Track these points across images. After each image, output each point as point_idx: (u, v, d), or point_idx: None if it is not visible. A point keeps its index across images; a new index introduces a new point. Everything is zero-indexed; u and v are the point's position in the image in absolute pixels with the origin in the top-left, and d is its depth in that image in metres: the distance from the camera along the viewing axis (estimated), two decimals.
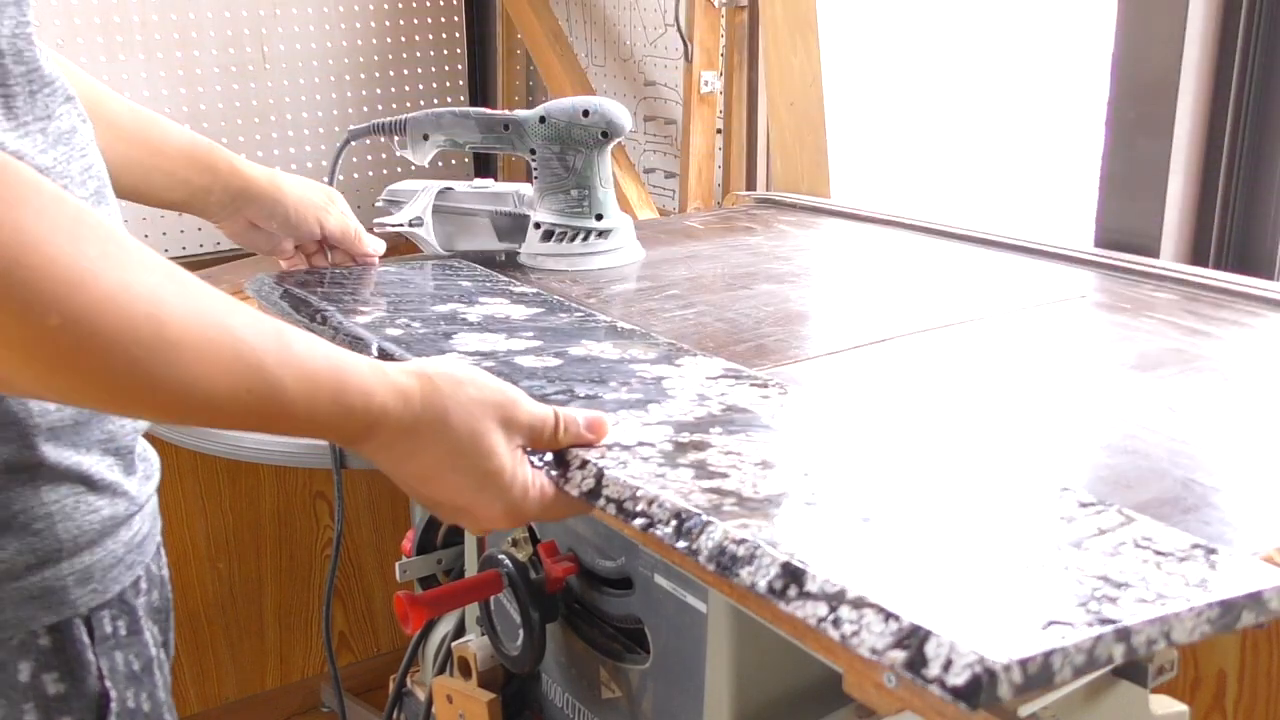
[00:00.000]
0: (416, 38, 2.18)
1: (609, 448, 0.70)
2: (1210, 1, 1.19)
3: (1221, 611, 0.52)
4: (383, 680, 1.54)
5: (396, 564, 1.22)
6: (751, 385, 0.82)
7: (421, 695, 1.22)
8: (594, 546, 0.91)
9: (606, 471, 0.66)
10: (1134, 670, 0.92)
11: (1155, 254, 1.24)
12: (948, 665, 0.47)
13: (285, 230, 1.08)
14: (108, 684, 0.66)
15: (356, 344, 0.91)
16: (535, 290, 1.11)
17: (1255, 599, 0.53)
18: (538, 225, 1.21)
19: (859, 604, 0.51)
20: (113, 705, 0.67)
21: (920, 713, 0.52)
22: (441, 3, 2.19)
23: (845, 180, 1.65)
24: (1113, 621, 0.49)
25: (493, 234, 1.24)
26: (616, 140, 1.21)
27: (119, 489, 0.68)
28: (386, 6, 2.13)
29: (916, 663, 0.48)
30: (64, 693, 0.65)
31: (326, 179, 1.19)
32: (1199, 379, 0.88)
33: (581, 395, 0.80)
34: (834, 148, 1.63)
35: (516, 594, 0.92)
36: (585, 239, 1.21)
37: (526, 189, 1.24)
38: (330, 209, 1.11)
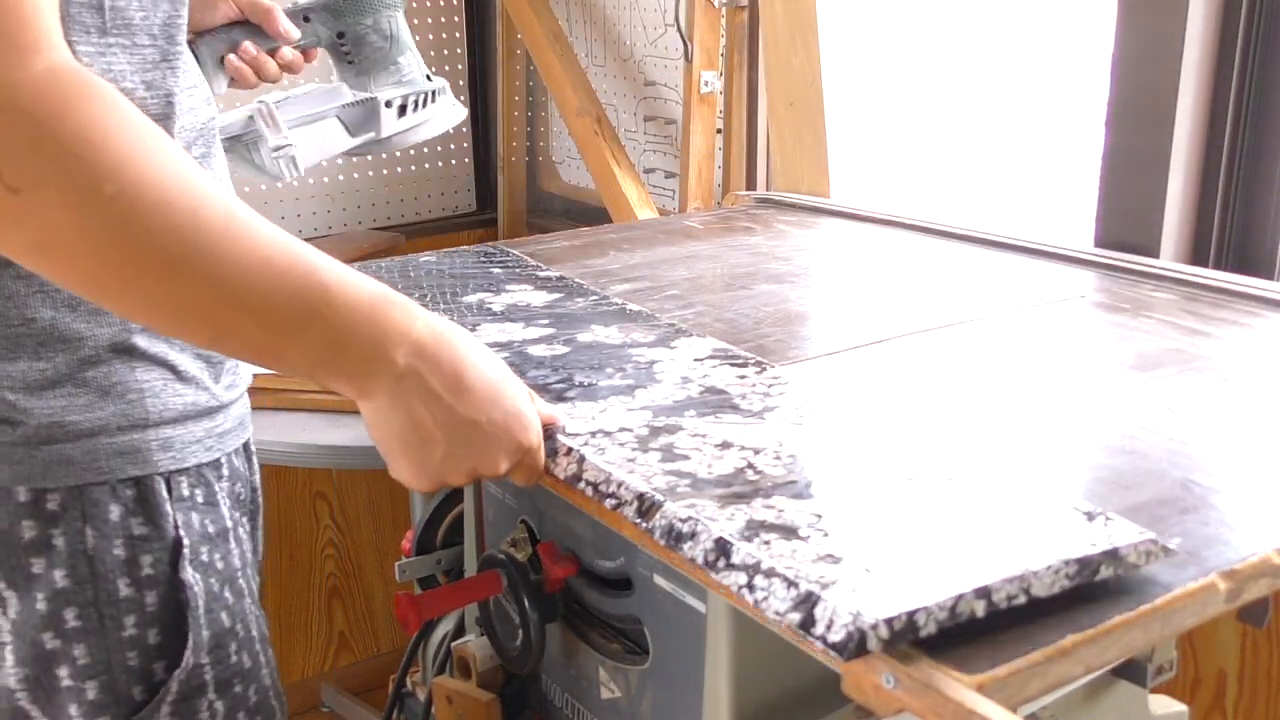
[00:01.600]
0: (416, 38, 2.17)
1: (593, 434, 0.77)
2: (1210, 2, 1.19)
3: (1079, 568, 0.57)
4: (383, 680, 1.54)
5: (396, 564, 1.22)
6: (731, 365, 0.88)
7: (421, 695, 1.22)
8: (594, 547, 0.91)
9: (587, 458, 0.73)
10: (1133, 670, 0.92)
11: (1155, 254, 1.24)
12: (830, 625, 0.54)
13: (204, 17, 1.05)
14: (182, 533, 0.78)
15: None
16: (559, 275, 1.16)
17: (1112, 555, 0.58)
18: (389, 103, 1.15)
19: (769, 574, 0.58)
20: (185, 551, 0.78)
21: (919, 713, 0.52)
22: (442, 3, 2.19)
23: (845, 180, 1.65)
24: (974, 580, 0.55)
25: (343, 131, 1.16)
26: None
27: (202, 384, 0.80)
28: None
29: (807, 623, 0.55)
30: (146, 534, 0.76)
31: None
32: (1198, 379, 0.88)
33: (578, 383, 0.86)
34: (834, 148, 1.63)
35: (516, 594, 0.92)
36: (433, 100, 1.17)
37: (322, 85, 1.17)
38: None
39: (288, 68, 1.09)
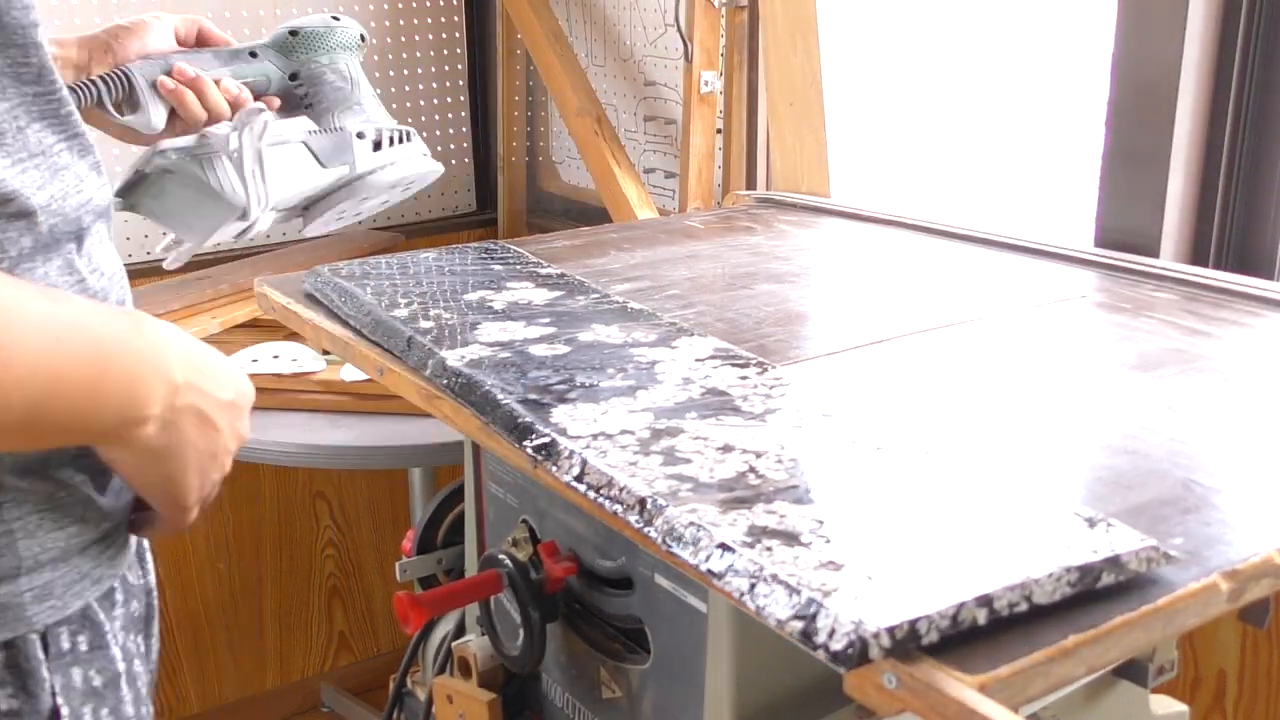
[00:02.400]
0: (416, 38, 2.18)
1: (594, 437, 0.76)
2: (1210, 2, 1.19)
3: (1081, 575, 0.57)
4: (383, 680, 1.54)
5: (396, 564, 1.22)
6: (733, 366, 0.88)
7: (422, 695, 1.22)
8: (594, 546, 0.91)
9: (588, 461, 0.72)
10: (1134, 670, 0.92)
11: (1155, 254, 1.24)
12: (831, 633, 0.54)
13: (139, 46, 0.96)
14: (59, 700, 0.65)
15: (392, 336, 0.98)
16: (559, 272, 1.15)
17: (1114, 562, 0.58)
18: (361, 135, 1.05)
19: (771, 581, 0.58)
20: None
21: (920, 713, 0.52)
22: (441, 3, 2.19)
23: (845, 180, 1.65)
24: (976, 589, 0.55)
25: (314, 161, 1.04)
26: (364, 50, 1.09)
27: (91, 504, 0.67)
28: (386, 6, 2.13)
29: (809, 631, 0.55)
30: (16, 709, 0.64)
31: None
32: (1199, 379, 0.88)
33: (580, 384, 0.85)
34: (834, 148, 1.63)
35: (516, 594, 0.92)
36: (407, 139, 1.07)
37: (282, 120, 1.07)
38: (160, 15, 1.00)
39: (234, 103, 0.98)
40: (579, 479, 0.72)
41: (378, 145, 1.05)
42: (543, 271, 1.16)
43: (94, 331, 0.58)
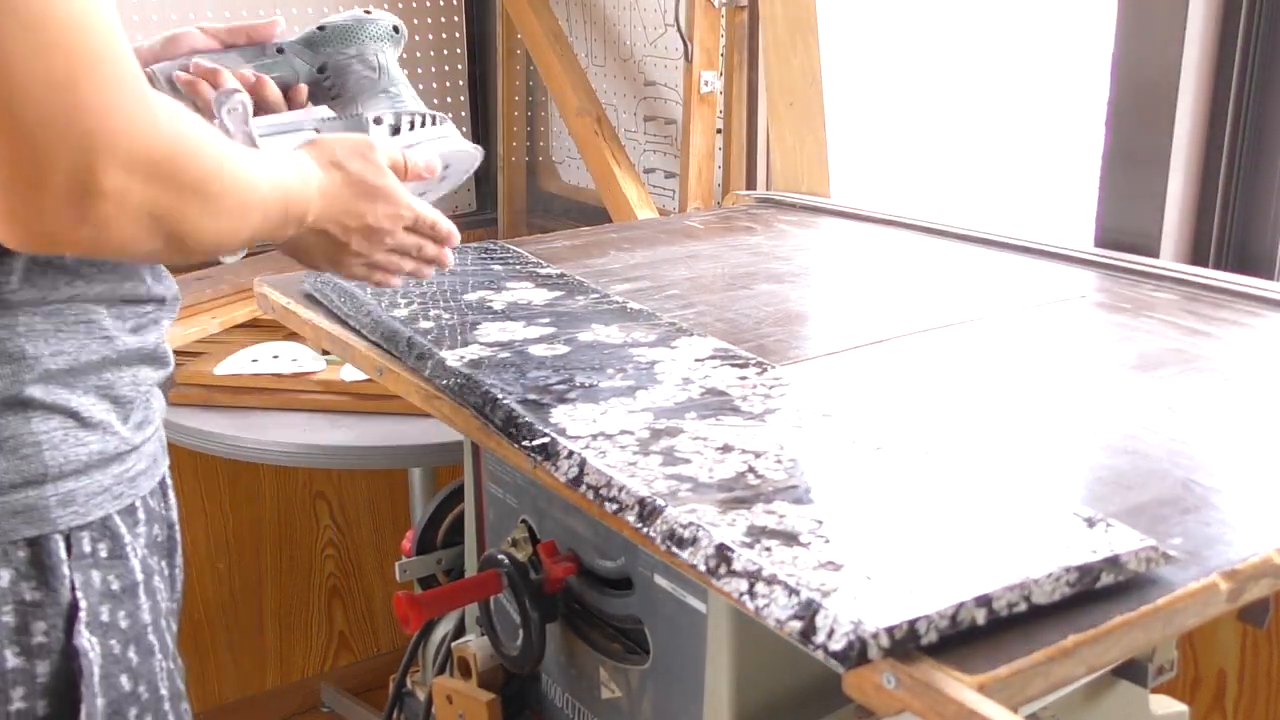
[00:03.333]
0: (416, 38, 2.18)
1: (594, 437, 0.76)
2: (1210, 2, 1.19)
3: (1080, 575, 0.57)
4: (383, 680, 1.54)
5: (396, 564, 1.22)
6: (732, 366, 0.88)
7: (421, 695, 1.22)
8: (594, 546, 0.91)
9: (588, 461, 0.73)
10: (1134, 670, 0.92)
11: (1155, 254, 1.24)
12: (831, 633, 0.54)
13: (170, 51, 1.00)
14: (79, 595, 0.72)
15: (392, 338, 0.98)
16: (559, 272, 1.15)
17: (1113, 562, 0.58)
18: (379, 120, 1.03)
19: (771, 581, 0.58)
20: (82, 615, 0.72)
21: (919, 713, 0.52)
22: (441, 3, 2.19)
23: (845, 180, 1.65)
24: (975, 589, 0.55)
25: None
26: (403, 42, 1.08)
27: (110, 428, 0.75)
28: (386, 7, 2.13)
29: (808, 631, 0.55)
30: (39, 600, 0.71)
31: None
32: (1199, 379, 0.88)
33: (579, 384, 0.85)
34: (834, 148, 1.63)
35: (516, 594, 0.92)
36: (433, 122, 1.05)
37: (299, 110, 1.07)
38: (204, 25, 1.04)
39: (254, 91, 1.00)
40: (578, 479, 0.73)
41: (396, 130, 1.04)
42: (542, 271, 1.16)
43: (285, 183, 0.77)
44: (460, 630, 1.17)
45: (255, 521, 2.13)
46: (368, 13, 1.05)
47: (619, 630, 0.92)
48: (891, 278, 1.23)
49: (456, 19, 2.21)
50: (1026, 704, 0.55)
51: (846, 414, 0.79)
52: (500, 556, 0.93)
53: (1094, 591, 0.58)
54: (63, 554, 0.72)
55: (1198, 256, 1.26)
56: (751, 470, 0.70)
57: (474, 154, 1.09)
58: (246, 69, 1.00)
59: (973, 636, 0.55)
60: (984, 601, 0.55)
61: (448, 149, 1.05)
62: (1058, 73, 1.46)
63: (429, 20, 2.18)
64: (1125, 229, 1.28)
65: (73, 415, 0.73)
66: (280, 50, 1.02)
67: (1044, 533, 0.61)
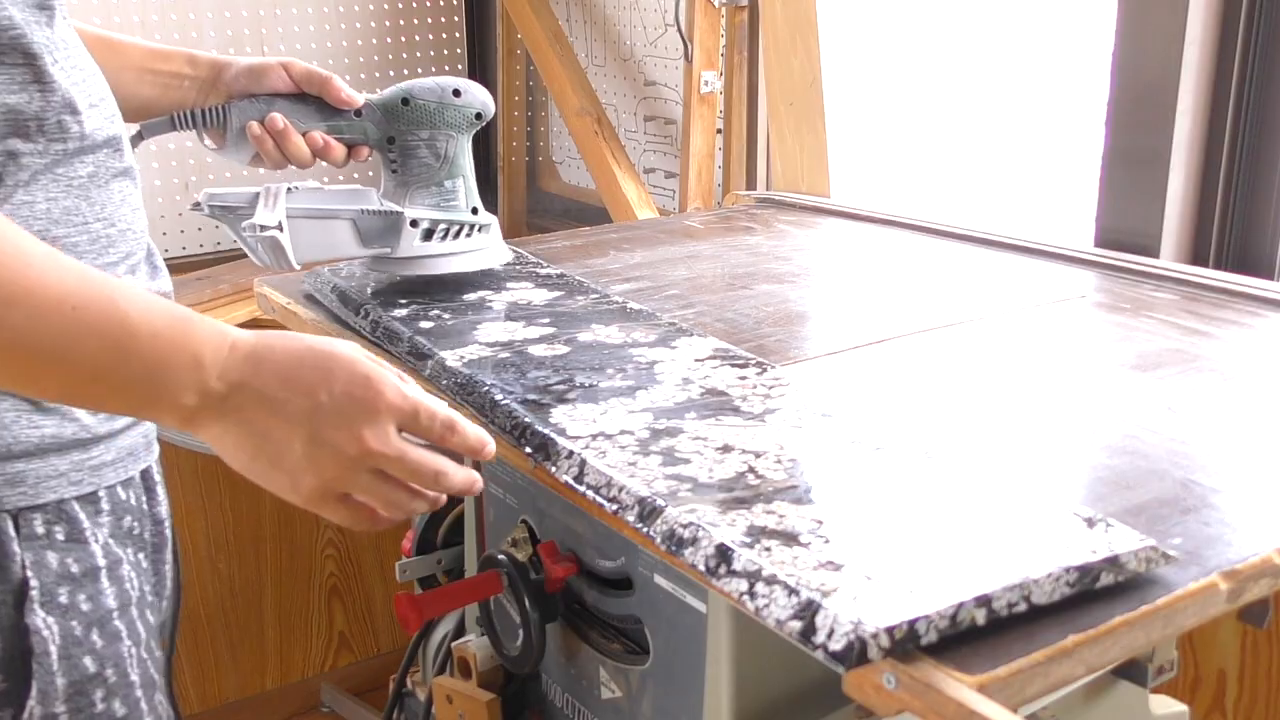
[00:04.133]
0: (416, 38, 2.18)
1: (594, 437, 0.76)
2: (1210, 2, 1.19)
3: (1080, 575, 0.57)
4: (383, 680, 1.54)
5: (396, 564, 1.22)
6: (732, 366, 0.88)
7: (421, 695, 1.22)
8: (594, 546, 0.91)
9: (587, 461, 0.73)
10: (1134, 670, 0.92)
11: (1155, 254, 1.24)
12: (830, 633, 0.54)
13: (255, 87, 1.01)
14: (29, 574, 0.72)
15: (392, 338, 0.98)
16: (559, 272, 1.15)
17: (1113, 562, 0.58)
18: (415, 223, 1.06)
19: (771, 581, 0.58)
20: (34, 594, 0.72)
21: (919, 713, 0.52)
22: (441, 3, 2.19)
23: (845, 180, 1.65)
24: (975, 589, 0.55)
25: (354, 238, 1.05)
26: (484, 123, 1.09)
27: (69, 415, 0.74)
28: (386, 6, 2.13)
29: (808, 631, 0.55)
30: None
31: None
32: (1199, 379, 0.88)
33: (579, 384, 0.85)
34: (834, 148, 1.63)
35: (516, 594, 0.92)
36: (468, 234, 1.08)
37: (354, 186, 1.08)
38: (291, 60, 1.04)
39: (320, 153, 1.03)
40: (578, 479, 0.73)
41: (429, 235, 1.06)
42: (542, 271, 1.16)
43: (120, 312, 0.63)
44: (460, 630, 1.17)
45: (255, 521, 2.13)
46: (456, 94, 1.06)
47: (619, 630, 0.92)
48: (891, 278, 1.23)
49: (456, 19, 2.21)
50: (1026, 704, 0.55)
51: (846, 414, 0.79)
52: (500, 556, 0.93)
53: (1094, 591, 0.58)
54: (11, 532, 0.72)
55: (1198, 256, 1.26)
56: (751, 470, 0.70)
57: (508, 254, 1.13)
58: (320, 127, 1.02)
59: (973, 636, 0.55)
60: (984, 601, 0.55)
61: (467, 265, 1.08)
62: (1058, 72, 1.46)
63: (429, 20, 2.18)
64: (1125, 229, 1.28)
65: (28, 399, 0.72)
66: (358, 113, 1.03)
67: (1044, 533, 0.61)
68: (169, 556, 0.86)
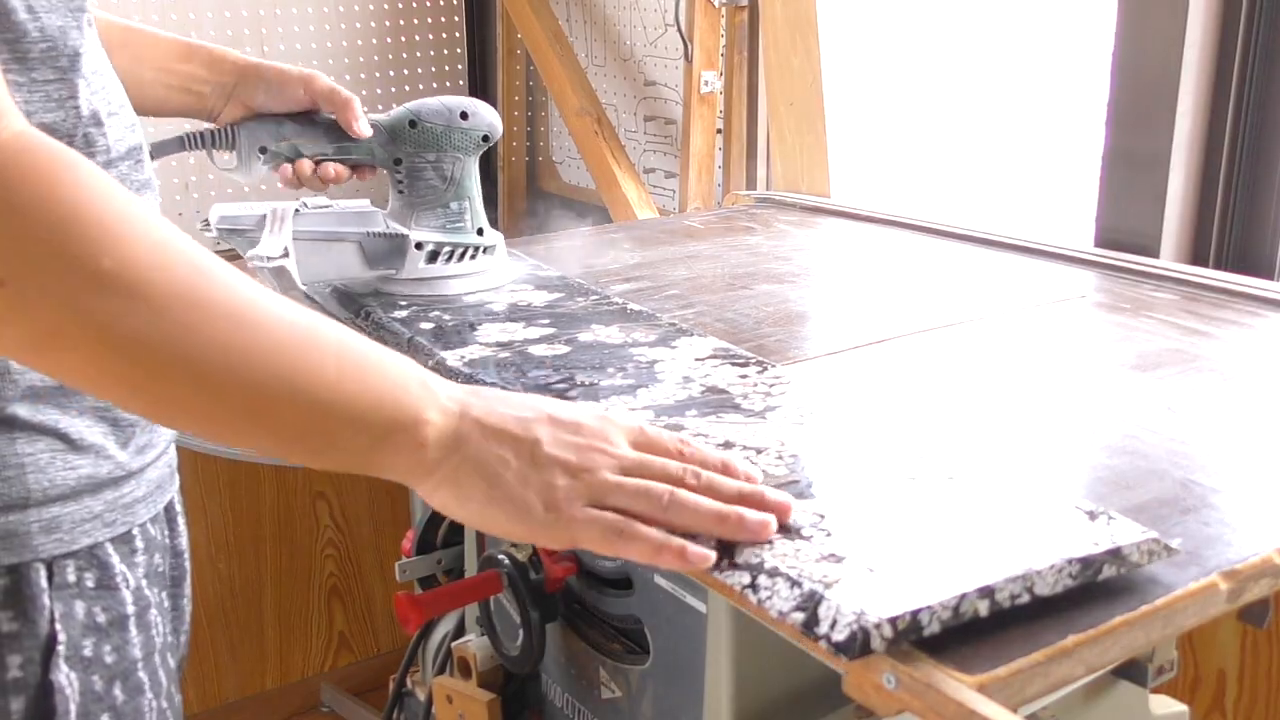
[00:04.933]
0: (416, 38, 2.18)
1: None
2: (1211, 2, 1.19)
3: (1082, 567, 0.57)
4: (383, 680, 1.54)
5: (396, 564, 1.22)
6: (732, 365, 0.88)
7: (421, 695, 1.22)
8: None
9: None
10: (1134, 670, 0.92)
11: (1155, 254, 1.24)
12: (833, 624, 0.54)
13: (273, 100, 1.01)
14: (58, 628, 0.68)
15: (392, 338, 0.98)
16: (559, 274, 1.15)
17: (1115, 554, 0.58)
18: (420, 245, 1.06)
19: (773, 574, 0.58)
20: (60, 649, 0.68)
21: (919, 713, 0.52)
22: (441, 3, 2.19)
23: (845, 180, 1.65)
24: (978, 580, 0.55)
25: (360, 260, 1.06)
26: (490, 144, 1.09)
27: (105, 453, 0.70)
28: (386, 6, 2.13)
29: (811, 623, 0.55)
30: (15, 631, 0.66)
31: None
32: (1198, 379, 0.88)
33: (580, 383, 0.85)
34: (834, 148, 1.63)
35: (516, 594, 0.92)
36: (472, 256, 1.09)
37: (365, 204, 1.09)
38: (315, 75, 1.03)
39: (331, 180, 1.04)
40: None
41: (434, 257, 1.07)
42: (542, 273, 1.16)
43: (342, 331, 0.59)
44: (460, 630, 1.17)
45: (255, 521, 2.13)
46: (464, 117, 1.06)
47: (619, 630, 0.92)
48: (891, 278, 1.23)
49: (456, 19, 2.21)
50: (1026, 704, 0.55)
51: (847, 412, 0.79)
52: (500, 556, 0.93)
53: (1094, 590, 0.58)
54: (43, 583, 0.67)
55: (1198, 256, 1.26)
56: (753, 466, 0.70)
57: (517, 270, 1.12)
58: (328, 148, 1.03)
59: (973, 636, 0.55)
60: (987, 593, 0.55)
61: (485, 283, 1.09)
62: (1058, 72, 1.46)
63: (429, 20, 2.18)
64: (1125, 229, 1.28)
65: (62, 436, 0.68)
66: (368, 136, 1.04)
67: (1046, 525, 0.61)
68: (187, 590, 0.83)
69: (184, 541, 0.81)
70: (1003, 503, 0.65)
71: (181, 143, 1.00)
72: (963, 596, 0.55)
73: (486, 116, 1.08)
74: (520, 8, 2.03)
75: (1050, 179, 1.50)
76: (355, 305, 1.06)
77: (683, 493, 0.60)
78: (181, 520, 0.81)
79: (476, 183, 1.09)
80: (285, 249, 0.99)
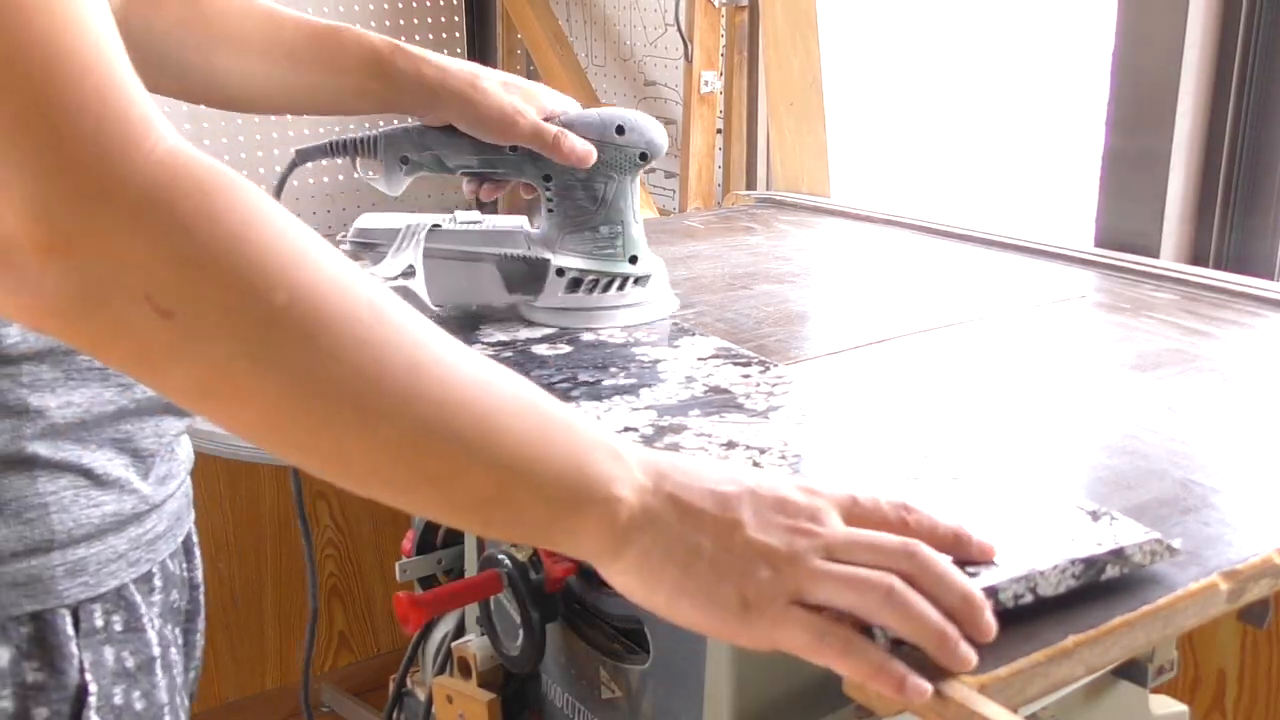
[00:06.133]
0: (417, 38, 2.18)
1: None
2: (1211, 2, 1.19)
3: (1085, 567, 0.57)
4: (382, 680, 1.54)
5: (396, 564, 1.22)
6: (735, 365, 0.88)
7: (421, 695, 1.22)
8: None
9: None
10: (1134, 670, 0.92)
11: (1155, 254, 1.24)
12: None
13: (479, 132, 0.93)
14: (88, 677, 0.65)
15: None
16: None
17: (1118, 554, 0.58)
18: (561, 272, 0.97)
19: None
20: (91, 700, 0.65)
21: (919, 713, 0.52)
22: (442, 3, 2.19)
23: (845, 180, 1.65)
24: (983, 581, 0.55)
25: (499, 282, 0.98)
26: (652, 163, 0.99)
27: (128, 486, 0.67)
28: (386, 6, 2.13)
29: None
30: (42, 682, 0.63)
31: None
32: (1199, 379, 0.88)
33: (582, 382, 0.85)
34: (834, 147, 1.63)
35: (516, 594, 0.92)
36: (620, 287, 0.98)
37: (522, 221, 1.01)
38: (524, 111, 0.92)
39: (482, 194, 0.98)
40: None
41: (576, 285, 0.98)
42: None
43: (527, 387, 0.53)
44: (460, 630, 1.17)
45: (255, 521, 2.13)
46: (619, 131, 0.95)
47: (619, 630, 0.92)
48: (892, 278, 1.23)
49: (457, 19, 2.22)
50: (1027, 704, 0.55)
51: (849, 412, 0.79)
52: (500, 556, 0.93)
53: (1094, 591, 0.58)
54: (70, 630, 0.64)
55: (1198, 256, 1.26)
56: (756, 466, 0.70)
57: (673, 304, 1.03)
58: (472, 161, 0.95)
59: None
60: (991, 593, 0.55)
61: (637, 317, 0.98)
62: (1058, 73, 1.46)
63: (429, 20, 2.18)
64: (1125, 229, 1.28)
65: (85, 473, 0.64)
66: (513, 149, 0.94)
67: (1049, 526, 0.61)
68: (201, 624, 0.80)
69: (200, 574, 0.78)
70: (1006, 503, 0.64)
71: (326, 149, 0.94)
72: None
73: (646, 133, 0.97)
74: (520, 8, 2.03)
75: (1050, 178, 1.50)
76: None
77: (902, 589, 0.51)
78: (198, 551, 0.78)
79: (634, 206, 0.98)
80: (409, 267, 0.92)
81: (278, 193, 0.94)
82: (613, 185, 0.96)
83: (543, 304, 0.97)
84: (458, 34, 2.22)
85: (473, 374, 0.50)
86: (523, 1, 2.02)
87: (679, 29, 1.75)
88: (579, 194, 0.96)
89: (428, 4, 2.17)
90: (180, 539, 0.73)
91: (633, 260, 0.98)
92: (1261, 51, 1.19)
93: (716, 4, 1.72)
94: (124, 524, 0.67)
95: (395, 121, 0.97)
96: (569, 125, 0.94)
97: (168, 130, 0.46)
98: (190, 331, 0.45)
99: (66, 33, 0.43)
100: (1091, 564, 0.58)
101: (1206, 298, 1.10)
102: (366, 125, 1.06)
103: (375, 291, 0.49)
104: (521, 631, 0.93)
